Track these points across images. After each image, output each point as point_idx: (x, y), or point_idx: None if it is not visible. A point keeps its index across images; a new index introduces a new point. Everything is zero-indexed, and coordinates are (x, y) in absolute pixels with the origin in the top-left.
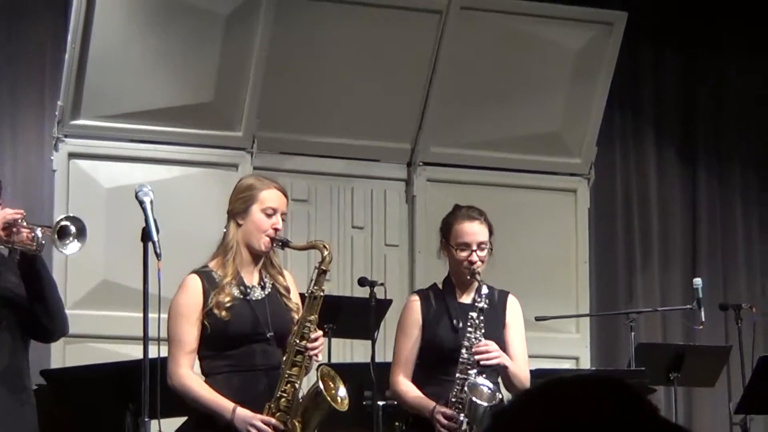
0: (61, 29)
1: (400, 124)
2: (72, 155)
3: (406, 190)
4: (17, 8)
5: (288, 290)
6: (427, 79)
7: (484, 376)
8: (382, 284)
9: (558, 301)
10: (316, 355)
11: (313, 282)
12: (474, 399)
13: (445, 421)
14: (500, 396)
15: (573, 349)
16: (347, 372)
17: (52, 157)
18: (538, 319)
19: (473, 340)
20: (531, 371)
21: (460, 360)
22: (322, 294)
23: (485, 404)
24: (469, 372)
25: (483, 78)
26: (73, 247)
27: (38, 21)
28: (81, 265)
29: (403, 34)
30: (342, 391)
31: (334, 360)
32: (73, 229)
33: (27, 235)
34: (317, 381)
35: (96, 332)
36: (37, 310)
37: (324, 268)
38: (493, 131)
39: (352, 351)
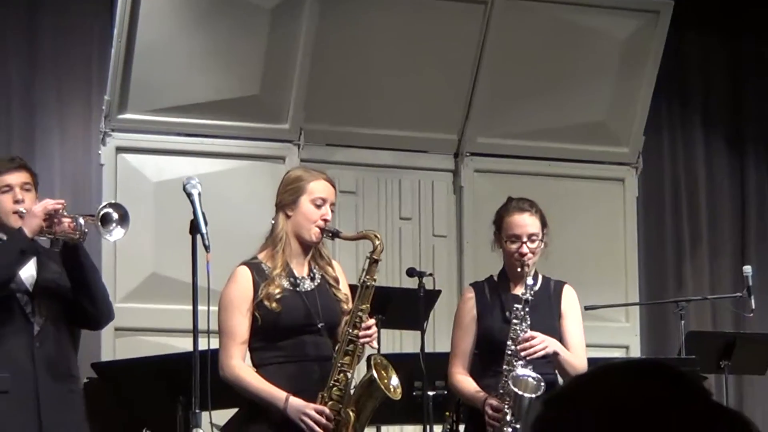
0: (107, 24)
1: (447, 114)
2: (119, 149)
3: (453, 180)
4: (64, 3)
5: (337, 281)
6: (473, 69)
7: (530, 367)
8: (430, 275)
9: (607, 291)
10: (370, 343)
11: (365, 271)
12: (518, 391)
13: (491, 413)
14: (544, 386)
15: (623, 338)
16: (397, 363)
17: (99, 152)
18: (587, 308)
19: (518, 332)
20: None
21: (506, 352)
22: (373, 283)
23: (529, 395)
24: (515, 363)
25: (529, 68)
26: (117, 233)
27: (84, 16)
28: (130, 259)
29: (449, 24)
30: (395, 380)
31: (383, 351)
32: (115, 215)
33: (69, 224)
34: (371, 369)
35: (146, 325)
36: (82, 298)
37: (376, 258)
38: (541, 121)
39: (401, 342)
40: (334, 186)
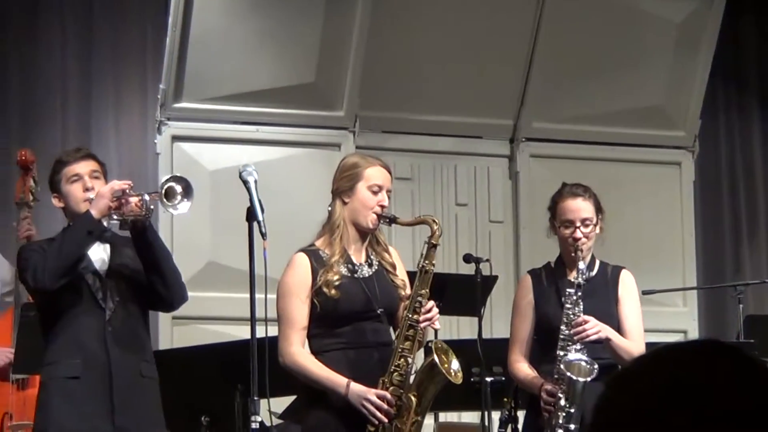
0: (162, 12)
1: (502, 100)
2: (175, 138)
3: (509, 166)
4: None
5: (394, 267)
6: (528, 54)
7: (584, 351)
8: (487, 260)
9: (665, 275)
10: (432, 324)
11: (424, 256)
12: (571, 375)
13: (546, 397)
14: (597, 370)
15: (681, 322)
16: (454, 349)
17: (155, 141)
18: (645, 293)
19: (571, 316)
20: None
21: (560, 336)
22: (432, 268)
23: (583, 379)
24: (569, 348)
25: (584, 52)
26: (182, 206)
27: (139, 5)
28: (187, 248)
29: (505, 8)
30: (455, 364)
31: (441, 337)
32: (179, 188)
33: (136, 203)
34: (431, 354)
35: (203, 314)
36: (154, 280)
37: (434, 243)
38: (596, 105)
39: (458, 328)
40: (390, 172)
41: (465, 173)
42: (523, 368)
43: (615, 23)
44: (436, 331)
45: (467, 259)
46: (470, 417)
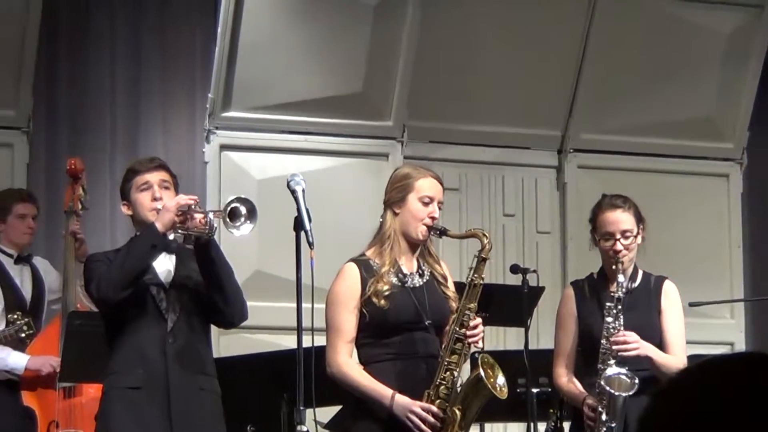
0: (211, 22)
1: (550, 111)
2: (223, 147)
3: (557, 177)
4: (168, 2)
5: (445, 278)
6: (576, 65)
7: (625, 366)
8: (534, 271)
9: (712, 287)
10: (476, 342)
11: (473, 270)
12: (611, 390)
13: (588, 413)
14: (638, 384)
15: (727, 334)
16: (500, 359)
17: (203, 150)
18: (692, 304)
19: (611, 329)
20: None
21: (600, 350)
22: (481, 282)
23: (624, 394)
24: (609, 362)
25: (633, 63)
26: (245, 228)
27: (188, 14)
28: (234, 257)
29: (553, 19)
30: (501, 379)
31: (487, 348)
32: (243, 210)
33: (200, 219)
34: (479, 368)
35: (249, 323)
36: (215, 296)
37: (484, 257)
38: (644, 117)
39: (504, 339)
40: (442, 184)
41: (512, 184)
42: (566, 381)
43: (664, 34)
44: (483, 342)
45: (514, 269)
46: (516, 428)
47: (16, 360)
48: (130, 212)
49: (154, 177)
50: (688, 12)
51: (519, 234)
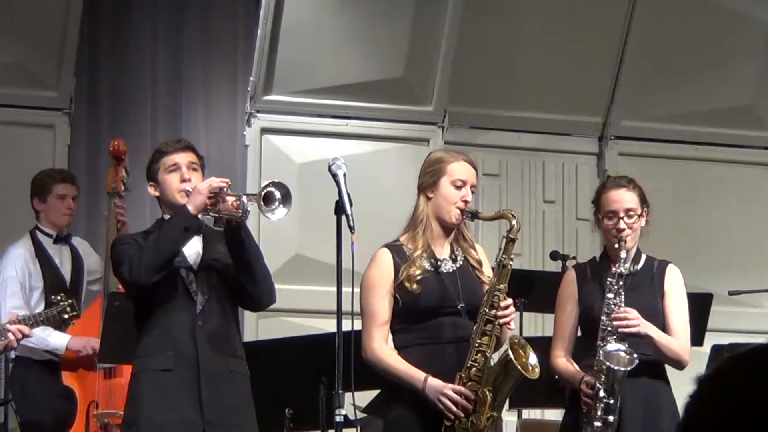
0: (253, 5)
1: (591, 97)
2: (264, 130)
3: (597, 164)
4: None
5: (480, 263)
6: (618, 52)
7: (625, 343)
8: (574, 258)
9: (751, 276)
10: (508, 323)
11: (502, 251)
12: (610, 365)
13: (586, 389)
14: (638, 360)
15: (767, 323)
16: (540, 346)
17: (244, 133)
18: (731, 293)
19: (612, 306)
20: (724, 346)
21: (601, 327)
22: (511, 263)
23: (623, 369)
24: (608, 339)
25: (675, 51)
26: (279, 212)
27: None
28: (274, 240)
29: (596, 6)
30: (533, 359)
31: (526, 334)
32: (278, 194)
33: (233, 202)
34: (507, 350)
35: (289, 306)
36: (244, 279)
37: (512, 237)
38: (686, 104)
39: (543, 325)
40: (475, 168)
41: (553, 170)
42: (563, 363)
43: (705, 22)
44: (522, 328)
45: (554, 256)
46: (553, 414)
47: (57, 340)
48: (157, 193)
49: (183, 158)
50: (730, 0)
51: (559, 221)
